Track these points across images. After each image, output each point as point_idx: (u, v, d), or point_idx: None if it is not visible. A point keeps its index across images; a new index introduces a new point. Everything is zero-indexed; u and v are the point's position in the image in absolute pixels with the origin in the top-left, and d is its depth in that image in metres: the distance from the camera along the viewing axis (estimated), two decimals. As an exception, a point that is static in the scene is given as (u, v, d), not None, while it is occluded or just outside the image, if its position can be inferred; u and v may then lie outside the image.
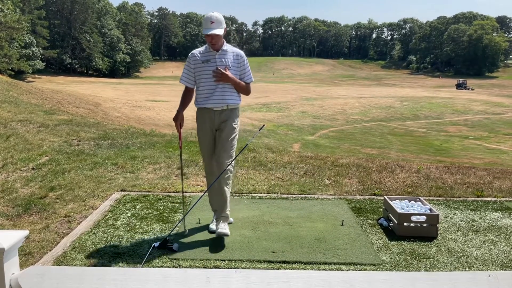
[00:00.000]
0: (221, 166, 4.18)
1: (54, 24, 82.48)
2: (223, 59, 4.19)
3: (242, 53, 4.33)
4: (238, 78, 4.25)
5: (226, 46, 4.25)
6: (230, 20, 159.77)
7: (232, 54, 4.24)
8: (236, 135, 4.30)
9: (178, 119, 4.32)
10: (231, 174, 4.35)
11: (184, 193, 5.58)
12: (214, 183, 4.21)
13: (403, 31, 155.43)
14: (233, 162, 4.31)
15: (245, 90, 4.34)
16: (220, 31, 4.10)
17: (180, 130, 4.42)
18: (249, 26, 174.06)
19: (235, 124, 4.30)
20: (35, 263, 3.73)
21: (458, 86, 74.91)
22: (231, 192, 4.46)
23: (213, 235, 4.29)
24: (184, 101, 4.37)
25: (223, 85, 4.19)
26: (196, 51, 4.30)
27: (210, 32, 4.07)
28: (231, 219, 4.65)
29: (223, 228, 4.13)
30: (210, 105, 4.22)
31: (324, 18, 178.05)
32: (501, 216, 5.04)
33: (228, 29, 4.16)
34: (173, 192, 5.67)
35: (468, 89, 71.42)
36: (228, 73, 4.16)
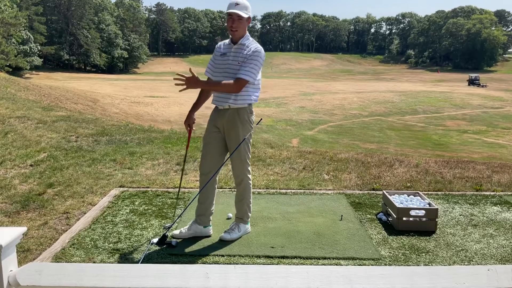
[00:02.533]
0: (237, 179, 4.13)
1: (52, 20, 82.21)
2: (239, 55, 3.82)
3: (257, 49, 3.81)
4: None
5: (247, 41, 3.87)
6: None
7: (247, 50, 3.82)
8: (243, 142, 3.95)
9: (186, 120, 4.10)
10: (247, 185, 4.12)
11: (182, 189, 5.58)
12: (203, 187, 4.15)
13: (402, 25, 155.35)
14: (248, 171, 4.12)
15: (222, 88, 3.79)
16: (242, 13, 3.74)
17: (189, 132, 4.21)
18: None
19: (239, 131, 3.91)
20: (34, 259, 3.72)
21: (470, 82, 65.60)
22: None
23: (212, 230, 4.29)
24: (198, 98, 4.09)
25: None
26: (221, 43, 4.05)
27: (231, 10, 3.75)
28: (229, 214, 4.65)
29: (228, 233, 4.13)
30: (215, 103, 3.98)
31: (322, 13, 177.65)
32: (500, 210, 5.04)
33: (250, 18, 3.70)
34: (171, 188, 5.66)
35: (482, 86, 62.52)
36: (193, 78, 3.69)
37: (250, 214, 4.26)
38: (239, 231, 4.17)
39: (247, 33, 3.91)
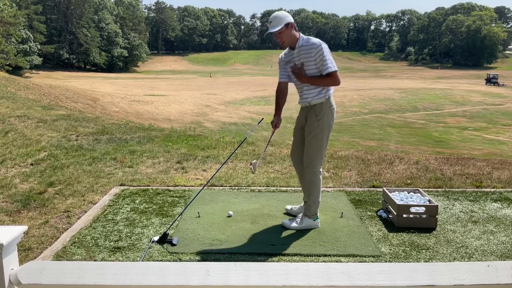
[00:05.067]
0: (306, 169, 4.28)
1: (51, 19, 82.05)
2: (301, 57, 4.08)
3: (316, 44, 4.02)
4: (318, 72, 4.07)
5: (303, 41, 4.07)
6: (228, 13, 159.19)
7: (307, 49, 4.04)
8: (316, 134, 4.16)
9: (273, 122, 4.40)
10: (313, 180, 4.26)
11: (182, 188, 5.59)
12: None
13: (402, 22, 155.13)
14: (317, 162, 4.24)
15: (325, 83, 4.07)
16: (275, 29, 4.03)
17: (274, 130, 4.49)
18: (247, 19, 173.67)
19: (318, 121, 4.16)
20: (35, 258, 3.73)
21: (488, 81, 61.78)
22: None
23: (213, 229, 4.30)
24: (278, 103, 4.41)
25: (301, 84, 4.18)
26: (282, 54, 4.33)
27: (268, 31, 4.13)
28: (230, 212, 4.66)
29: (291, 220, 4.37)
30: (300, 103, 4.31)
31: (322, 10, 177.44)
32: (500, 206, 5.05)
33: (285, 23, 3.95)
34: (172, 186, 5.67)
35: (500, 85, 58.49)
36: (301, 71, 4.10)
37: (315, 211, 4.34)
38: (301, 223, 4.31)
39: (300, 35, 4.11)
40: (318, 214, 4.41)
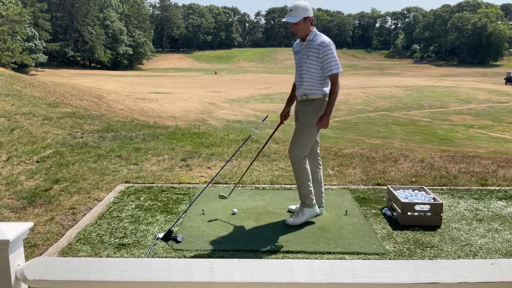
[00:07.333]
0: (291, 157, 4.32)
1: (56, 17, 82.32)
2: (308, 51, 4.14)
3: (325, 42, 4.09)
4: (320, 69, 4.13)
5: (315, 37, 4.14)
6: (233, 11, 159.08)
7: (316, 45, 4.10)
8: (310, 124, 4.22)
9: (281, 113, 4.49)
10: (300, 166, 4.29)
11: (187, 185, 5.61)
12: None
13: (407, 20, 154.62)
14: (301, 154, 4.27)
15: (334, 95, 4.14)
16: (292, 19, 4.06)
17: (279, 124, 4.52)
18: (252, 17, 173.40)
19: (309, 116, 4.21)
20: (41, 254, 3.76)
21: (508, 81, 56.82)
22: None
23: (217, 226, 4.31)
24: (291, 93, 4.48)
25: (301, 75, 4.20)
26: (296, 42, 4.38)
27: (282, 20, 4.19)
28: (234, 210, 4.66)
29: (292, 217, 4.39)
30: (297, 94, 4.35)
31: (327, 8, 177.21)
32: (505, 204, 5.03)
33: (310, 16, 3.93)
34: (176, 183, 5.69)
35: None
36: (324, 120, 4.17)
37: (312, 198, 4.37)
38: (303, 215, 4.34)
39: (314, 30, 4.18)
40: (314, 200, 4.41)
